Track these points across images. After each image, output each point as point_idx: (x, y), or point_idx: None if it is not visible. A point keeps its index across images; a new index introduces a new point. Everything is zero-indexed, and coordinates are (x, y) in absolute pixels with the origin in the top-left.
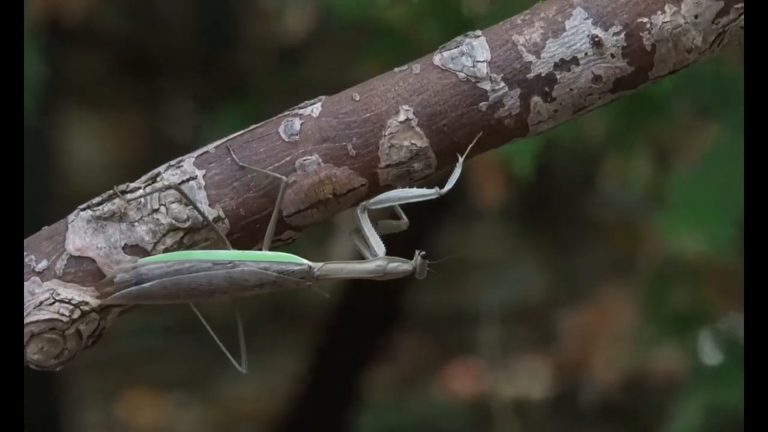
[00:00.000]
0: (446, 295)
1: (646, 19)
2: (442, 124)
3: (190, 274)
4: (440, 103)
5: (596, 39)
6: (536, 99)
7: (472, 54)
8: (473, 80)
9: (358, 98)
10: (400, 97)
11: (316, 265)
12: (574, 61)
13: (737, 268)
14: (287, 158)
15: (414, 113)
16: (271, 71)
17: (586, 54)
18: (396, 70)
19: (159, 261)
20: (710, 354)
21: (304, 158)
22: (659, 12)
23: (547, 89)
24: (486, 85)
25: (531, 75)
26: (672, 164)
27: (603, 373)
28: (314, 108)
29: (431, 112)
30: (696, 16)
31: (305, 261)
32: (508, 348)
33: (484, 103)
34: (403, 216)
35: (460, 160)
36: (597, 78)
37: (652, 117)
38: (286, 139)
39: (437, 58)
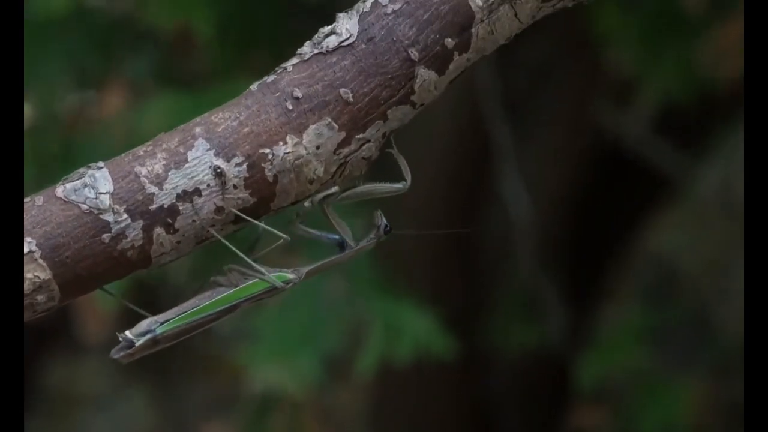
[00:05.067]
0: (58, 430)
1: (268, 150)
2: (65, 256)
3: (201, 328)
4: (63, 234)
5: (218, 170)
6: (159, 230)
7: (95, 185)
8: (96, 212)
9: None
10: (24, 230)
11: (301, 273)
12: (197, 192)
13: (328, 402)
14: None
15: (37, 245)
16: None
17: (208, 185)
18: None
19: (175, 325)
20: None
21: None
22: (281, 143)
23: (169, 220)
24: (109, 217)
25: (154, 206)
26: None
27: None
28: None
29: (55, 244)
30: (318, 147)
31: (291, 276)
32: None
33: (107, 234)
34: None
35: (395, 150)
36: (219, 209)
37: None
38: None
39: (60, 190)
